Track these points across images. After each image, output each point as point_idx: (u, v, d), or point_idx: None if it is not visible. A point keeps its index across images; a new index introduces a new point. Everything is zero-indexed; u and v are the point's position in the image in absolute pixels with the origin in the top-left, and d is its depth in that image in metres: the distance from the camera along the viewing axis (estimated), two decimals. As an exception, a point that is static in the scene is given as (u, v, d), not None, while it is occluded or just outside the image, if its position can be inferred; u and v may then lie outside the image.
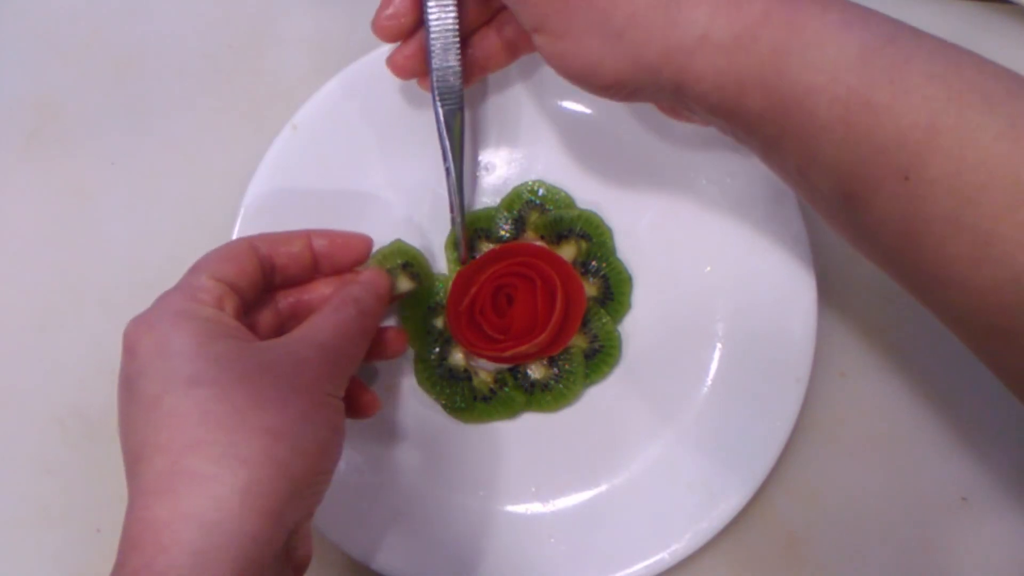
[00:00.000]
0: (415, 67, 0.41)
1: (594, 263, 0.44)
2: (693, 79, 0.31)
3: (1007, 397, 0.43)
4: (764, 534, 0.42)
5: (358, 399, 0.40)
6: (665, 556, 0.40)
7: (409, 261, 0.43)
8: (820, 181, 0.31)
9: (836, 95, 0.29)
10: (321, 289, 0.40)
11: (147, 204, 0.48)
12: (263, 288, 0.38)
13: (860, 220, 0.31)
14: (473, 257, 0.44)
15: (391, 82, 0.45)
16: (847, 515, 0.42)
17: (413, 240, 0.44)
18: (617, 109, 0.45)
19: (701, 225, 0.44)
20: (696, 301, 0.43)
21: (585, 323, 0.43)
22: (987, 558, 0.42)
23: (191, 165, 0.48)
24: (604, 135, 0.45)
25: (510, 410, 0.43)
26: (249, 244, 0.38)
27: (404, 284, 0.42)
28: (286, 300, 0.40)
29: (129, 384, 0.32)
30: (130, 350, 0.33)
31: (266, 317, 0.39)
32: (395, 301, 0.43)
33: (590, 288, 0.44)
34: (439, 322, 0.44)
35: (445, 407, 0.43)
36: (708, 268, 0.44)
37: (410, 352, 0.44)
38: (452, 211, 0.43)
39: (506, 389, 0.43)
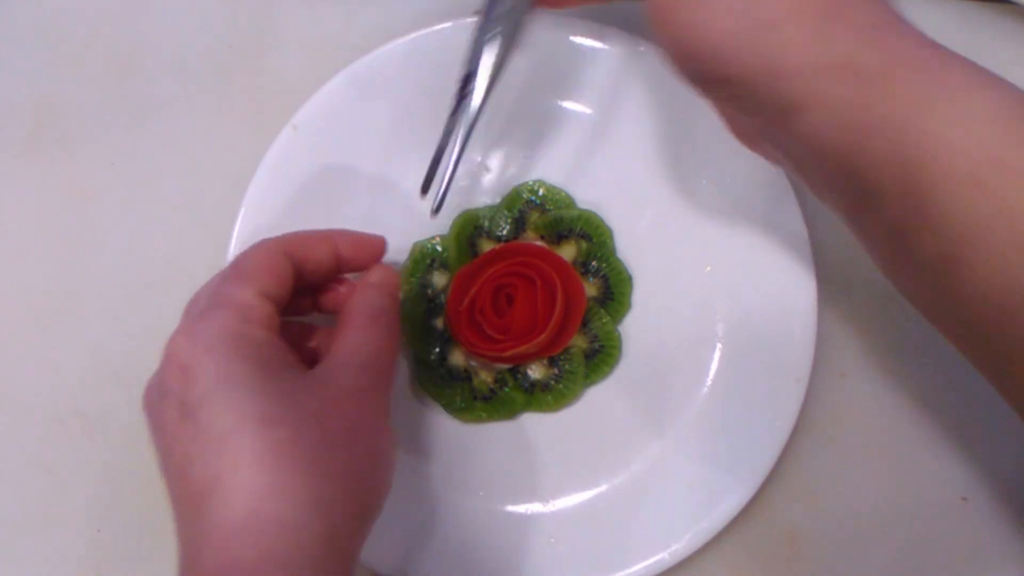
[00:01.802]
0: None
1: (594, 263, 0.44)
2: (817, 103, 0.29)
3: (1007, 397, 0.43)
4: (764, 534, 0.42)
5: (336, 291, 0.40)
6: (665, 556, 0.40)
7: (435, 257, 0.44)
8: (923, 240, 0.29)
9: (968, 152, 0.27)
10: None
11: (147, 204, 0.48)
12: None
13: (953, 287, 0.29)
14: (474, 255, 0.44)
15: (391, 82, 0.45)
16: (847, 515, 0.42)
17: (413, 240, 0.44)
18: (617, 109, 0.45)
19: (701, 225, 0.44)
20: (696, 301, 0.43)
21: (585, 323, 0.43)
22: (987, 558, 0.42)
23: (191, 165, 0.48)
24: (604, 135, 0.45)
25: (510, 410, 0.43)
26: (284, 251, 0.37)
27: (440, 280, 0.43)
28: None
29: (188, 410, 0.31)
30: (186, 370, 0.32)
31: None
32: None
33: (590, 288, 0.44)
34: (439, 322, 0.44)
35: (445, 407, 0.43)
36: (708, 268, 0.44)
37: (410, 352, 0.44)
38: (450, 151, 0.39)
39: (506, 389, 0.43)
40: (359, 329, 0.36)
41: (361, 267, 0.40)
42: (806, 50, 0.29)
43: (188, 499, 0.31)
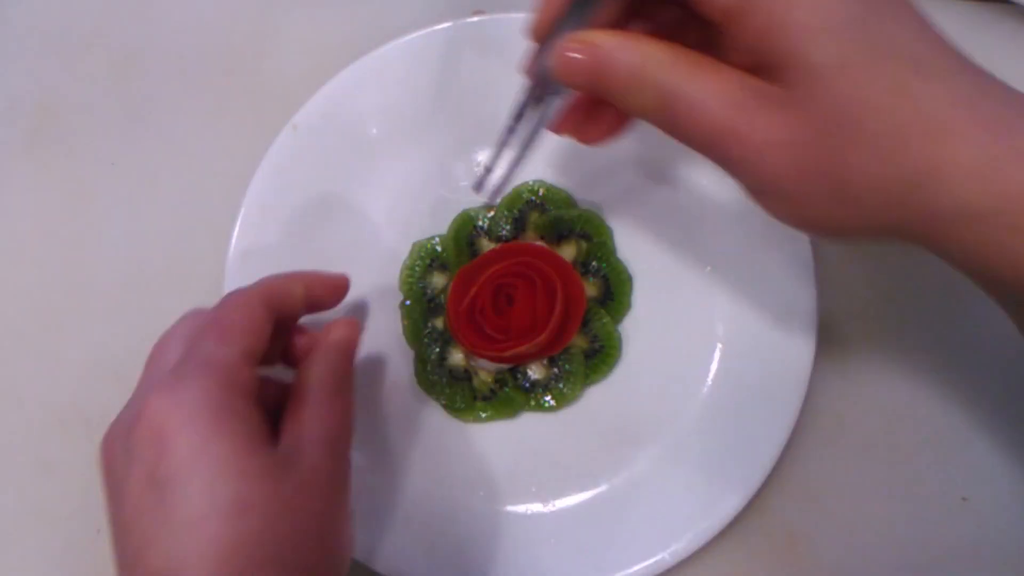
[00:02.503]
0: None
1: (594, 263, 0.44)
2: (953, 247, 0.28)
3: (1007, 397, 0.43)
4: (764, 534, 0.42)
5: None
6: (665, 556, 0.40)
7: (435, 257, 0.44)
8: None
9: None
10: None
11: (147, 204, 0.48)
12: None
13: None
14: (473, 254, 0.44)
15: (391, 82, 0.45)
16: (847, 515, 0.42)
17: (413, 238, 0.44)
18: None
19: (701, 225, 0.44)
20: (696, 301, 0.43)
21: (585, 323, 0.43)
22: (987, 558, 0.42)
23: (191, 165, 0.48)
24: (604, 135, 0.45)
25: (510, 410, 0.43)
26: (264, 303, 0.35)
27: (439, 280, 0.44)
28: None
29: (157, 485, 0.29)
30: (160, 439, 0.30)
31: None
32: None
33: (590, 288, 0.44)
34: (439, 322, 0.44)
35: (445, 407, 0.43)
36: (708, 268, 0.44)
37: (410, 352, 0.44)
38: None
39: (506, 389, 0.43)
40: (323, 404, 0.35)
41: (326, 307, 0.40)
42: (905, 206, 0.27)
43: None
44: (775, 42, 0.27)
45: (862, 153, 0.27)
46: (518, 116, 0.34)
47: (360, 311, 0.44)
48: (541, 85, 0.33)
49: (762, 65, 0.28)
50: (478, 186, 0.37)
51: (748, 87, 0.28)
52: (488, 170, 0.37)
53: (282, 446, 0.33)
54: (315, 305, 0.39)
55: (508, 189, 0.39)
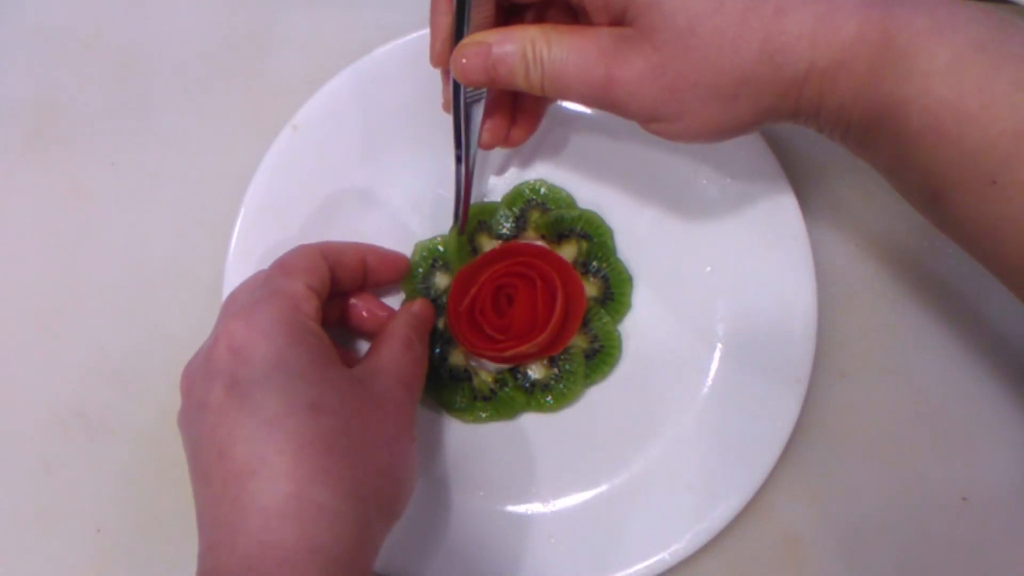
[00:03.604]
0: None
1: (594, 263, 0.44)
2: (806, 106, 0.33)
3: (1006, 397, 0.43)
4: (764, 534, 0.42)
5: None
6: (665, 556, 0.40)
7: (437, 257, 0.44)
8: (910, 181, 0.33)
9: (926, 105, 0.30)
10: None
11: (147, 204, 0.48)
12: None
13: (946, 217, 0.32)
14: (474, 253, 0.44)
15: (391, 82, 0.45)
16: (847, 515, 0.42)
17: (414, 238, 0.44)
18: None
19: (701, 225, 0.44)
20: (696, 301, 0.43)
21: (585, 323, 0.43)
22: (987, 558, 0.42)
23: (191, 165, 0.48)
24: (604, 135, 0.45)
25: (510, 410, 0.43)
26: (321, 253, 0.38)
27: (441, 281, 0.44)
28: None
29: (239, 391, 0.32)
30: (239, 352, 0.32)
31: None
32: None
33: (590, 288, 0.44)
34: (439, 322, 0.44)
35: (445, 407, 0.43)
36: (708, 268, 0.44)
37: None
38: (459, 192, 0.42)
39: (506, 389, 0.43)
40: (394, 350, 0.38)
41: (385, 282, 0.43)
42: (776, 83, 0.32)
43: (226, 479, 0.31)
44: None
45: (712, 55, 0.31)
46: (458, 143, 0.40)
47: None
48: (459, 105, 0.39)
49: (617, 18, 0.33)
50: (460, 219, 0.43)
51: (611, 36, 0.33)
52: (457, 201, 0.43)
53: (357, 368, 0.36)
54: (373, 277, 0.42)
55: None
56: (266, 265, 0.43)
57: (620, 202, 0.45)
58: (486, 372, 0.43)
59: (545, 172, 0.45)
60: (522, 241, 0.44)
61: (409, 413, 0.36)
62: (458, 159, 0.41)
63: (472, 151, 0.41)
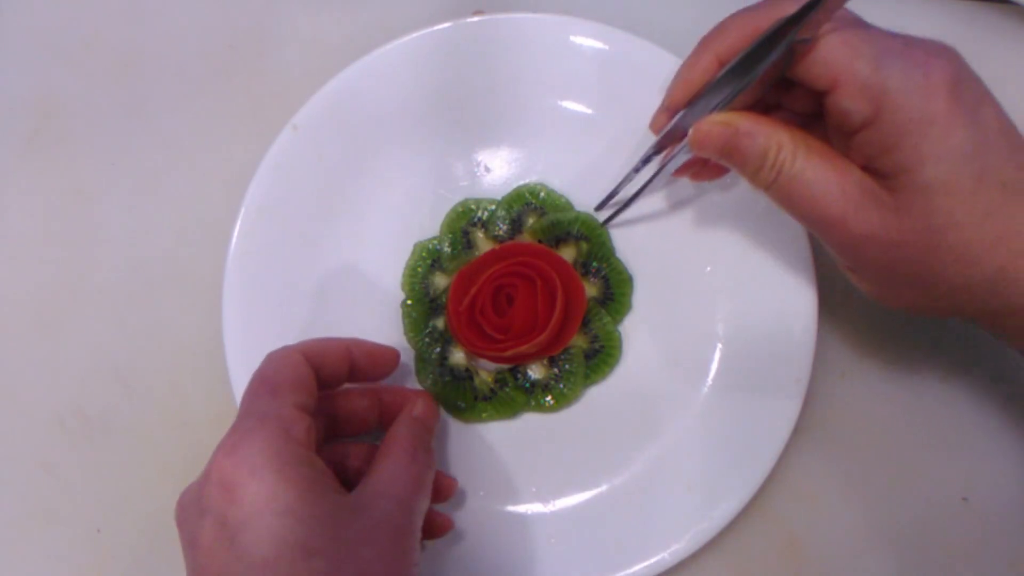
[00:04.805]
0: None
1: (594, 263, 0.44)
2: (1016, 333, 0.34)
3: (1006, 398, 0.43)
4: (764, 534, 0.42)
5: (430, 522, 0.39)
6: (665, 556, 0.40)
7: (436, 258, 0.44)
8: None
9: None
10: (359, 400, 0.40)
11: (147, 204, 0.48)
12: None
13: None
14: (467, 244, 0.44)
15: (391, 82, 0.45)
16: (847, 515, 0.42)
17: (414, 238, 0.44)
18: (617, 110, 0.45)
19: (701, 225, 0.44)
20: (696, 301, 0.43)
21: (585, 323, 0.43)
22: (987, 558, 0.42)
23: (191, 165, 0.48)
24: (604, 135, 0.45)
25: (510, 410, 0.43)
26: (304, 358, 0.36)
27: (441, 281, 0.44)
28: (328, 409, 0.39)
29: (230, 532, 0.31)
30: (229, 490, 0.31)
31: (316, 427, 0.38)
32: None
33: (591, 288, 0.44)
34: (440, 322, 0.44)
35: (446, 407, 0.43)
36: (708, 268, 0.44)
37: (411, 352, 0.44)
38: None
39: (506, 389, 0.43)
40: (399, 464, 0.36)
41: (374, 377, 0.40)
42: (986, 304, 0.33)
43: None
44: (897, 156, 0.31)
45: (949, 262, 0.32)
46: (645, 160, 0.40)
47: (361, 310, 0.44)
48: (667, 142, 0.39)
49: (876, 167, 0.32)
50: (600, 205, 0.44)
51: (861, 186, 0.33)
52: (612, 195, 0.43)
53: (355, 493, 0.34)
54: (360, 373, 0.39)
55: (619, 218, 0.44)
56: (266, 265, 0.43)
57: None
58: (486, 372, 0.43)
59: (544, 173, 0.45)
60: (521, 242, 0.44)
61: (408, 541, 0.34)
62: (642, 162, 0.41)
63: (653, 167, 0.40)
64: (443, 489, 0.40)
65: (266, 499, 0.31)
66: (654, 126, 0.40)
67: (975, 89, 0.32)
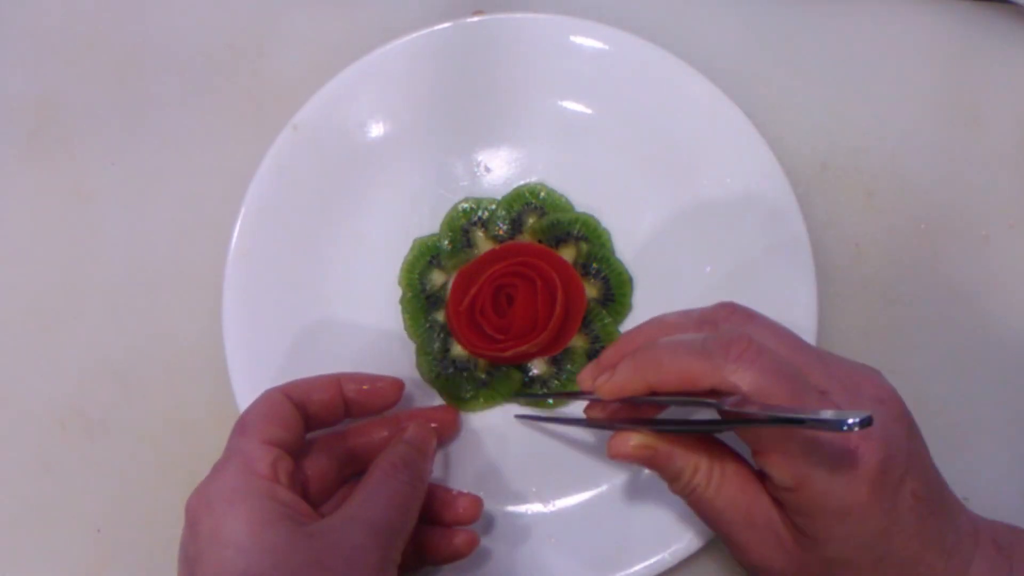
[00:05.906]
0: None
1: (594, 264, 0.44)
2: None
3: (1006, 398, 0.43)
4: (764, 534, 0.42)
5: (449, 541, 0.39)
6: (665, 556, 0.40)
7: (436, 254, 0.44)
8: None
9: None
10: (377, 432, 0.40)
11: (147, 204, 0.48)
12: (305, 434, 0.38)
13: None
14: (467, 243, 0.44)
15: (391, 82, 0.45)
16: (847, 515, 0.42)
17: (413, 236, 0.44)
18: (617, 110, 0.45)
19: (701, 225, 0.44)
20: (696, 301, 0.43)
21: (586, 323, 0.43)
22: (987, 558, 0.42)
23: (191, 165, 0.48)
24: (604, 135, 0.45)
25: (509, 388, 0.42)
26: (284, 395, 0.37)
27: (439, 277, 0.44)
28: (343, 445, 0.40)
29: (191, 566, 0.33)
30: (192, 526, 0.33)
31: (320, 462, 0.39)
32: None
33: (591, 289, 0.44)
34: (439, 315, 0.44)
35: (449, 399, 0.43)
36: (708, 268, 0.44)
37: (411, 346, 0.44)
38: None
39: (503, 369, 0.43)
40: (374, 487, 0.35)
41: (374, 410, 0.40)
42: None
43: None
44: (808, 524, 0.32)
45: None
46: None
47: (361, 310, 0.44)
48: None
49: (783, 498, 0.33)
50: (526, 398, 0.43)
51: (768, 520, 0.34)
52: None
53: (323, 520, 0.34)
54: (356, 407, 0.39)
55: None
56: (266, 265, 0.43)
57: (620, 202, 0.45)
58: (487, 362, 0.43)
59: (544, 173, 0.45)
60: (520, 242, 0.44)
61: (377, 560, 0.33)
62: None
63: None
64: (465, 509, 0.40)
65: (214, 533, 0.32)
66: (588, 413, 0.38)
67: (901, 465, 0.32)
